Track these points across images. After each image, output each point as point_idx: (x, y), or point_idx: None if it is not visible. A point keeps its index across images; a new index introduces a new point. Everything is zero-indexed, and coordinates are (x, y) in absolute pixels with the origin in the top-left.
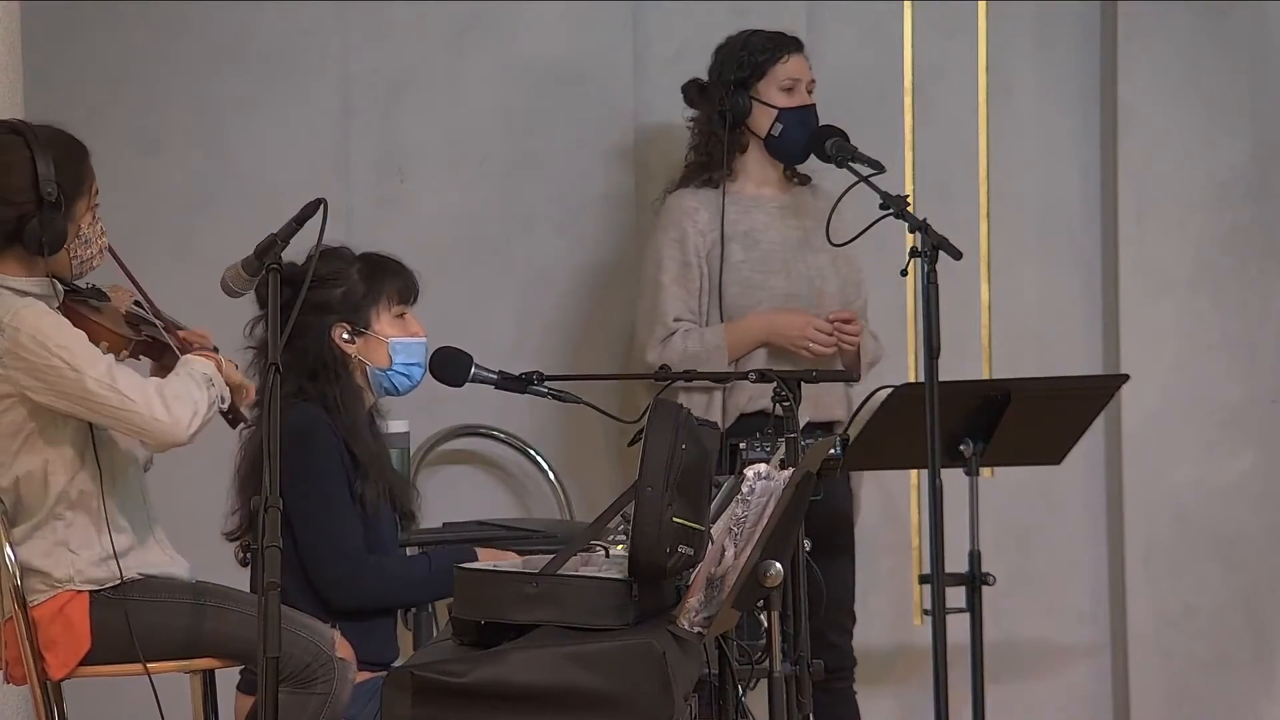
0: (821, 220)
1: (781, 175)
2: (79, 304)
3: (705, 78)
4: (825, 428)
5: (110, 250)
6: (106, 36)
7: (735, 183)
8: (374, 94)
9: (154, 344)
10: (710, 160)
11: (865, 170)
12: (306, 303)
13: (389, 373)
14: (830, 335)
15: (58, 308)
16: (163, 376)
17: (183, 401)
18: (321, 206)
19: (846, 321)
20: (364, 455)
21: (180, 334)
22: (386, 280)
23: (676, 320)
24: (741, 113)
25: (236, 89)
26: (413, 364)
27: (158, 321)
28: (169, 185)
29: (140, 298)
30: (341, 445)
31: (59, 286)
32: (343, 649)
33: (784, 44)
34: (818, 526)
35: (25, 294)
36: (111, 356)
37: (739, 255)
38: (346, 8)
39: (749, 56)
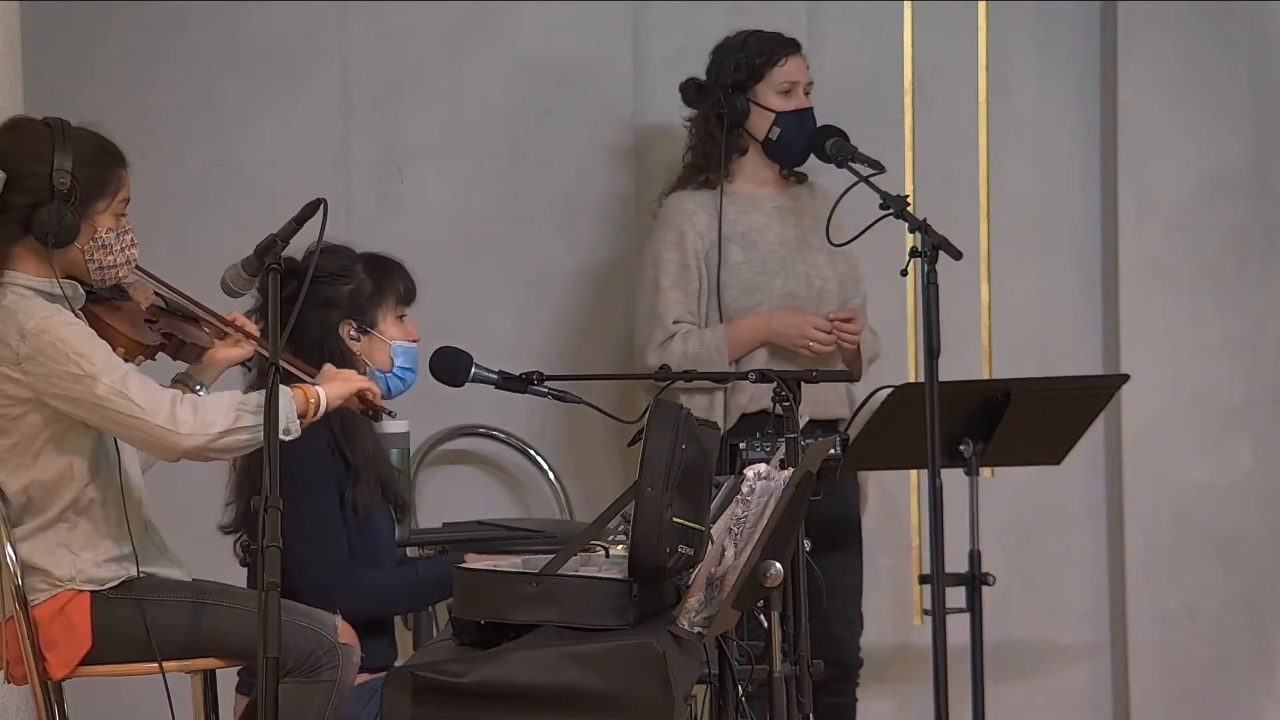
0: (820, 219)
1: (778, 175)
2: (96, 305)
3: (704, 77)
4: (827, 426)
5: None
6: (106, 36)
7: (733, 183)
8: (374, 94)
9: (173, 341)
10: (708, 162)
11: (865, 170)
12: (312, 298)
13: (387, 375)
14: (829, 334)
15: (81, 309)
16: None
17: (198, 414)
18: (321, 206)
19: (846, 320)
20: (358, 459)
21: (218, 323)
22: (392, 281)
23: (676, 322)
24: (739, 116)
25: (236, 89)
26: (408, 369)
27: (187, 311)
28: (169, 185)
29: (163, 293)
30: (334, 450)
31: (80, 289)
32: (345, 634)
33: (781, 46)
34: (824, 523)
35: (47, 295)
36: (131, 365)
37: (738, 256)
38: (346, 8)
39: (747, 59)
